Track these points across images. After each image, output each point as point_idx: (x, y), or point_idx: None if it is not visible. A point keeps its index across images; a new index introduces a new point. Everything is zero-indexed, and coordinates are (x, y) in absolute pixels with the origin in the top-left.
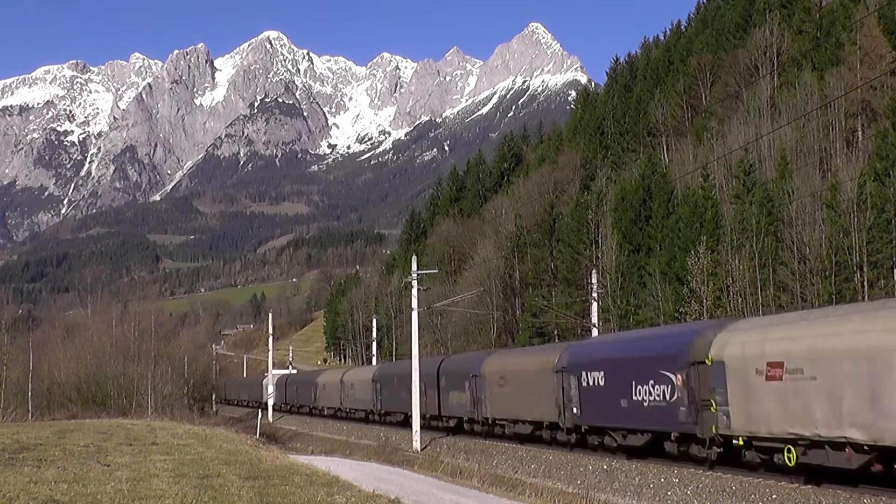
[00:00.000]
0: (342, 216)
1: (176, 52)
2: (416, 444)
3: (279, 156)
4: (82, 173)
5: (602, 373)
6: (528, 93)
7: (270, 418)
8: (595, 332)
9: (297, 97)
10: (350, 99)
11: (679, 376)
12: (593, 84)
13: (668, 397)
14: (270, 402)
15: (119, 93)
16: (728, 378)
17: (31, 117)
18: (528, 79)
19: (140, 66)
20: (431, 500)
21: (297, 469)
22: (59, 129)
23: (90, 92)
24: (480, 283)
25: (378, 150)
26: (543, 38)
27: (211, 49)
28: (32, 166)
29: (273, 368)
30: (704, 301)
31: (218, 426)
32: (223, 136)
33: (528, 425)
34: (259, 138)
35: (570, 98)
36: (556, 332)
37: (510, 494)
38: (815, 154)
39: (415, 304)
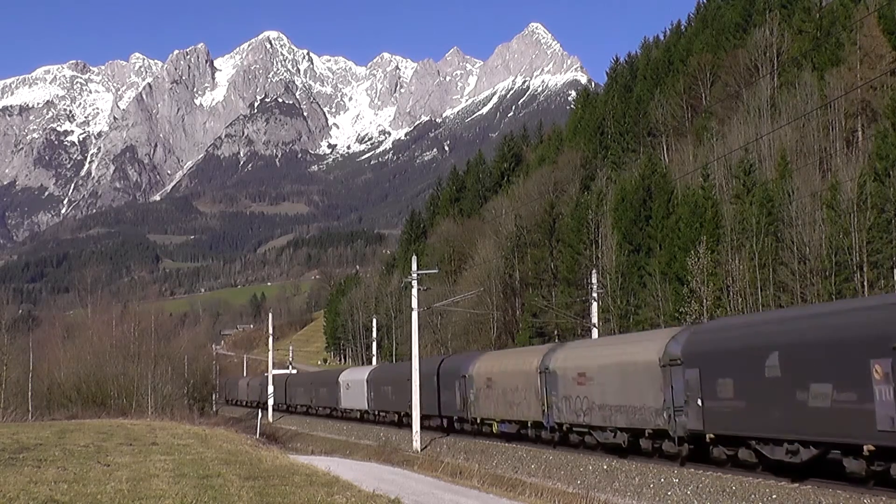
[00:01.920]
0: (342, 216)
1: (176, 52)
2: (416, 444)
3: (279, 156)
4: (82, 173)
5: None
6: (528, 93)
7: (270, 418)
8: (595, 332)
9: (297, 97)
10: (350, 99)
11: None
12: (593, 84)
13: None
14: (270, 402)
15: (119, 93)
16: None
17: (31, 117)
18: (528, 79)
19: (140, 66)
20: (431, 500)
21: (297, 469)
22: (59, 129)
23: (90, 92)
24: (480, 283)
25: (378, 150)
26: (543, 38)
27: (211, 49)
28: (32, 166)
29: (273, 368)
30: (704, 301)
31: (218, 426)
32: (223, 136)
33: None
34: (259, 138)
35: (570, 98)
36: (556, 333)
37: (510, 494)
38: (815, 154)
39: (415, 304)
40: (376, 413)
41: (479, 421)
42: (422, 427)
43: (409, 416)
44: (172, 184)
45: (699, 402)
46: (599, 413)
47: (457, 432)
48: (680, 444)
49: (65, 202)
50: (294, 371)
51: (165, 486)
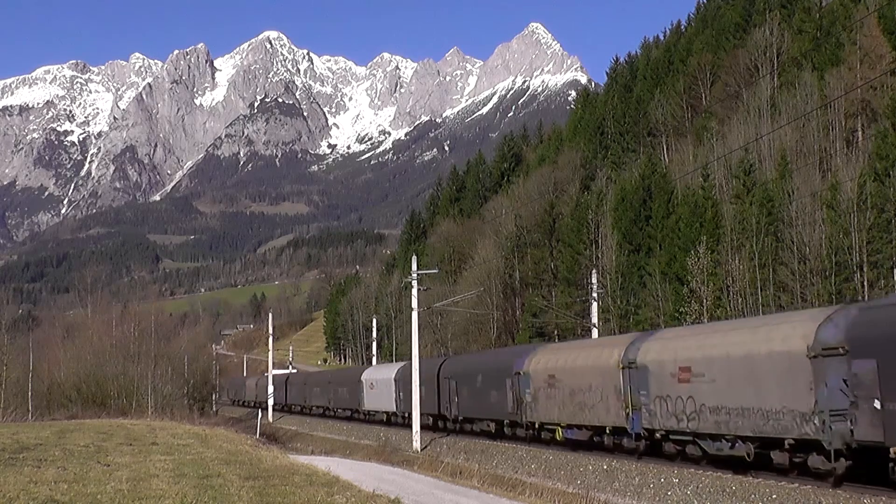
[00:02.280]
0: (342, 216)
1: (176, 52)
2: (416, 444)
3: (279, 156)
4: (82, 173)
5: None
6: (528, 93)
7: (270, 418)
8: (595, 332)
9: (297, 97)
10: (350, 99)
11: None
12: (593, 84)
13: None
14: (270, 402)
15: (119, 93)
16: None
17: (31, 117)
18: (528, 79)
19: (140, 66)
20: (431, 500)
21: (297, 469)
22: (59, 129)
23: (90, 92)
24: (480, 283)
25: (378, 150)
26: (543, 38)
27: (211, 49)
28: (32, 166)
29: (273, 368)
30: (704, 301)
31: (218, 426)
32: (223, 136)
33: None
34: (259, 138)
35: (570, 98)
36: (555, 332)
37: (510, 494)
38: (815, 154)
39: (415, 304)
40: (406, 416)
41: (536, 426)
42: (463, 431)
43: (446, 418)
44: (172, 184)
45: (876, 404)
46: (711, 418)
47: (507, 439)
48: (836, 459)
49: (65, 202)
50: (294, 371)
51: (165, 486)
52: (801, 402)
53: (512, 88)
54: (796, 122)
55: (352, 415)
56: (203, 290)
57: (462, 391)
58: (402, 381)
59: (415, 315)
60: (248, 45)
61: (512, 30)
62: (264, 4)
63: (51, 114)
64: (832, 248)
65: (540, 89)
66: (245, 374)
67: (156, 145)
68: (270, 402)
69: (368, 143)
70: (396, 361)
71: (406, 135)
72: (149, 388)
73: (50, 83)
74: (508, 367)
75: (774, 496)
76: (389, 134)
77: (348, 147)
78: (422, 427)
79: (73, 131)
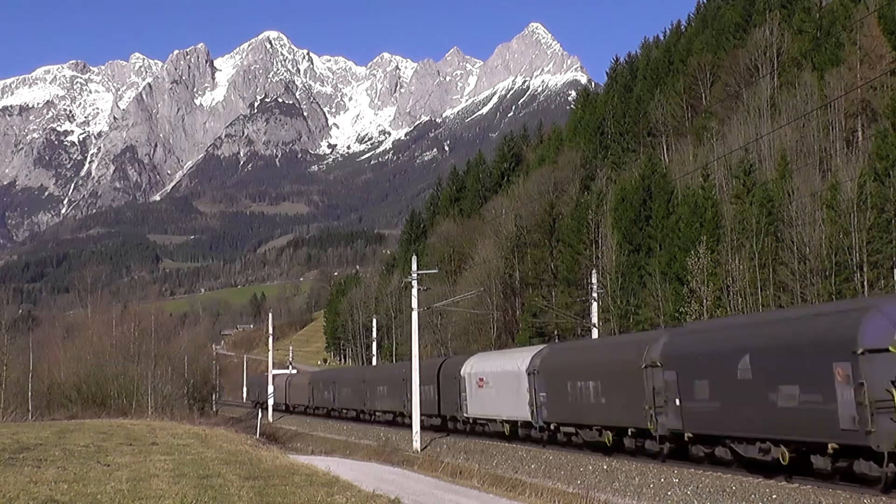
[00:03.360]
0: (342, 216)
1: (176, 52)
2: (416, 444)
3: (279, 156)
4: (82, 173)
5: None
6: (528, 93)
7: (270, 418)
8: (595, 332)
9: (297, 97)
10: (350, 99)
11: None
12: (593, 84)
13: None
14: (270, 402)
15: (119, 93)
16: None
17: (31, 117)
18: (528, 79)
19: (140, 66)
20: (431, 500)
21: (297, 469)
22: (59, 129)
23: (90, 92)
24: (480, 283)
25: (378, 150)
26: (543, 38)
27: (211, 49)
28: (32, 166)
29: (273, 368)
30: (704, 301)
31: (218, 426)
32: (223, 136)
33: None
34: (259, 138)
35: (570, 98)
36: (556, 332)
37: (510, 494)
38: (815, 154)
39: (415, 304)
40: (553, 428)
41: None
42: (689, 459)
43: (647, 434)
44: (172, 184)
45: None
46: None
47: (831, 481)
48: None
49: (65, 202)
50: (294, 371)
51: (165, 486)
52: None
53: (512, 88)
54: (796, 122)
55: (444, 424)
56: (203, 290)
57: (691, 388)
58: (544, 375)
59: (415, 315)
60: (248, 45)
61: (512, 30)
62: (264, 4)
63: (51, 114)
64: (832, 248)
65: (540, 89)
66: (246, 373)
67: (156, 145)
68: (270, 401)
69: (368, 143)
70: (530, 345)
71: (406, 135)
72: (149, 388)
73: (50, 83)
74: (833, 339)
75: (774, 496)
76: (389, 134)
77: (348, 147)
78: (596, 449)
79: (73, 131)
